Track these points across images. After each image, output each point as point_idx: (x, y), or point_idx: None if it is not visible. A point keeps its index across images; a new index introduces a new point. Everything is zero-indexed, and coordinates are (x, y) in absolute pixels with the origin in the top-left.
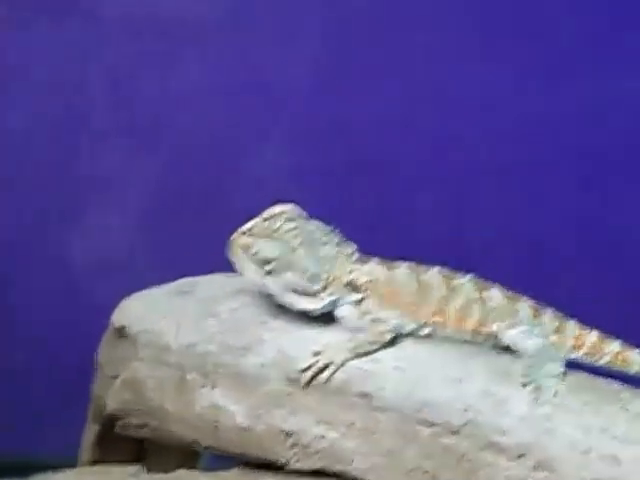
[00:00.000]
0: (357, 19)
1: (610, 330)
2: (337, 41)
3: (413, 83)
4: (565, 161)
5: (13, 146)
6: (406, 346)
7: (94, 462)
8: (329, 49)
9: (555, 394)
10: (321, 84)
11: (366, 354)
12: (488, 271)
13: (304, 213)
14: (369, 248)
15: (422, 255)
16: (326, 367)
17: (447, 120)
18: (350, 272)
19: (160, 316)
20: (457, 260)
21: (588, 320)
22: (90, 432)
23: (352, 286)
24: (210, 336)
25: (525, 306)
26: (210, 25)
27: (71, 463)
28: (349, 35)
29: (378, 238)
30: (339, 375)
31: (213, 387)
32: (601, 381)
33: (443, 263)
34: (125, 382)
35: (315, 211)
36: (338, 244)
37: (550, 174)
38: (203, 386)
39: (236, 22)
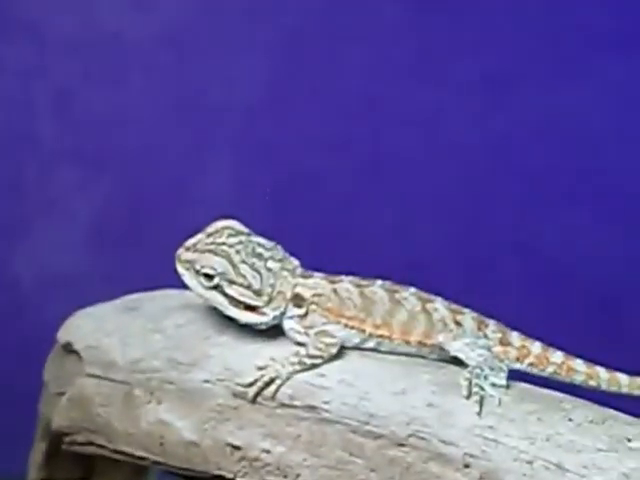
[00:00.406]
0: (301, 35)
1: (552, 342)
2: (281, 57)
3: (353, 99)
4: (507, 177)
5: None
6: (351, 359)
7: None
8: (272, 65)
9: (499, 404)
10: (263, 101)
11: (312, 367)
12: (431, 285)
13: (247, 229)
14: (311, 264)
15: (363, 271)
16: (272, 381)
17: (387, 137)
18: (294, 286)
19: (106, 332)
20: (399, 275)
21: (530, 333)
22: (38, 450)
23: (297, 300)
24: (156, 352)
25: (468, 318)
26: (153, 42)
27: None
28: (293, 51)
29: (320, 254)
30: (285, 389)
31: (159, 403)
32: (544, 391)
33: (385, 278)
34: (72, 399)
35: (258, 227)
36: (281, 259)
37: (490, 193)
38: (149, 402)
39: (177, 39)
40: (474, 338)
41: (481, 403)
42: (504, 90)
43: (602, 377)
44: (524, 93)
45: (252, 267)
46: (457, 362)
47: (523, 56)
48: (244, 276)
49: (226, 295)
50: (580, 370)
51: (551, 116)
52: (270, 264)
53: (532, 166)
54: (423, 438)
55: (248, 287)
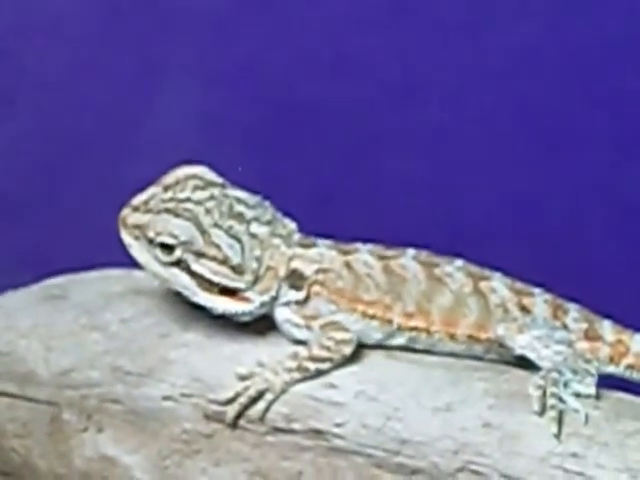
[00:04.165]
0: None
1: None
2: None
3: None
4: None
5: None
6: (374, 362)
7: None
8: None
9: (586, 423)
10: (237, 16)
11: (317, 375)
12: (485, 257)
13: (220, 179)
14: (316, 228)
15: (387, 237)
16: (260, 396)
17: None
18: (290, 259)
19: (21, 332)
20: (440, 243)
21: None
22: None
23: (294, 279)
24: (93, 358)
25: (540, 301)
26: None
27: None
28: None
29: (328, 213)
30: (279, 407)
31: (99, 431)
32: None
33: (422, 246)
34: None
35: (236, 176)
36: (270, 222)
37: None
38: (85, 430)
39: None
40: (549, 330)
41: (560, 421)
42: None
43: None
44: None
45: (229, 233)
46: (525, 364)
47: None
48: (217, 246)
49: (193, 274)
50: None
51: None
52: (255, 228)
53: None
54: (478, 472)
55: (224, 262)
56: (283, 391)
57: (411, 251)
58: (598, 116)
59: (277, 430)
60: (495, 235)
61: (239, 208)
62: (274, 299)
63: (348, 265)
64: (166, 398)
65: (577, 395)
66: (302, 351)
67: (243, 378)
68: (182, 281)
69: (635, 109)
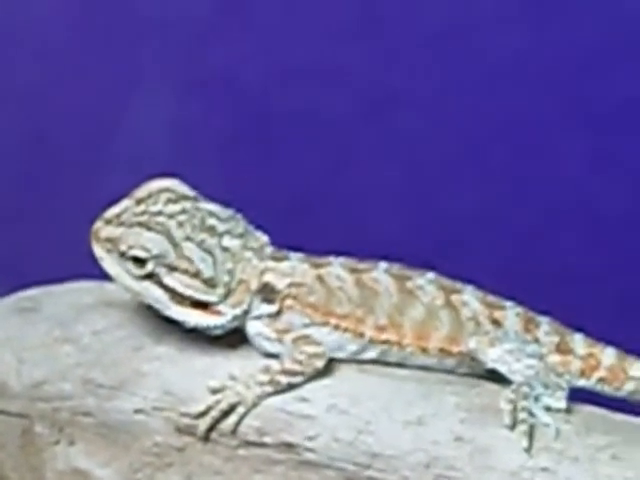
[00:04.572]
0: None
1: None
2: None
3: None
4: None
5: None
6: (346, 376)
7: None
8: None
9: (557, 437)
10: (217, 10)
11: (289, 388)
12: (457, 270)
13: (193, 192)
14: (288, 241)
15: (360, 250)
16: (232, 409)
17: (392, 65)
18: (262, 273)
19: None
20: (412, 256)
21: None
22: None
23: (266, 292)
24: (65, 370)
25: (512, 314)
26: None
27: None
28: None
29: (300, 226)
30: (251, 420)
31: (71, 444)
32: (620, 417)
33: (394, 259)
34: None
35: (209, 190)
36: (242, 235)
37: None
38: (57, 442)
39: None
40: (520, 343)
41: (531, 435)
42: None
43: None
44: None
45: (201, 246)
46: (496, 377)
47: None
48: (189, 259)
49: (165, 287)
50: None
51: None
52: (227, 242)
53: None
54: None
55: (196, 275)
56: (255, 404)
57: (383, 264)
58: (573, 130)
59: (249, 444)
60: (467, 248)
61: (211, 221)
62: (246, 312)
63: (320, 278)
64: (138, 411)
65: (548, 409)
66: (274, 365)
67: (215, 391)
68: (154, 294)
69: (608, 121)
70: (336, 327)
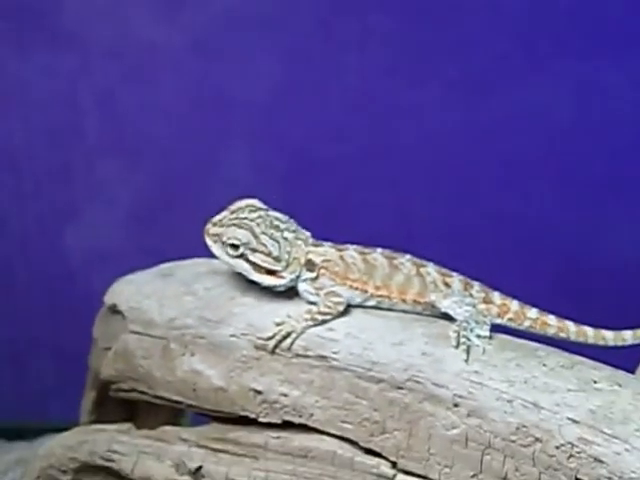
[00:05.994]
0: (306, 45)
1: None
2: (290, 64)
3: (351, 97)
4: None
5: (18, 158)
6: (356, 315)
7: (92, 423)
8: (283, 70)
9: (483, 353)
10: (276, 99)
11: (322, 323)
12: (423, 253)
13: (265, 205)
14: (321, 235)
15: (365, 241)
16: (288, 335)
17: (382, 129)
18: (307, 253)
19: (146, 295)
20: (397, 245)
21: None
22: (88, 398)
23: (309, 265)
24: (188, 311)
25: (456, 280)
26: (181, 49)
27: (73, 426)
28: (301, 58)
29: (328, 227)
30: (299, 342)
31: (192, 355)
32: (521, 341)
33: (384, 247)
34: (117, 353)
35: (274, 204)
36: (295, 231)
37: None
38: (183, 354)
39: (202, 46)
40: (461, 297)
41: (468, 352)
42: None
43: (571, 330)
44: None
45: (271, 237)
46: (447, 317)
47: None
48: (265, 245)
49: (249, 262)
50: (552, 324)
51: (525, 111)
52: (286, 234)
53: (511, 152)
54: (418, 382)
55: (268, 254)
56: (302, 332)
57: (379, 249)
58: (539, 153)
59: (298, 355)
60: (430, 240)
61: (276, 223)
62: (297, 277)
63: (342, 257)
64: (232, 335)
65: (478, 336)
66: (314, 308)
67: (278, 324)
68: (243, 266)
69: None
70: (350, 287)
